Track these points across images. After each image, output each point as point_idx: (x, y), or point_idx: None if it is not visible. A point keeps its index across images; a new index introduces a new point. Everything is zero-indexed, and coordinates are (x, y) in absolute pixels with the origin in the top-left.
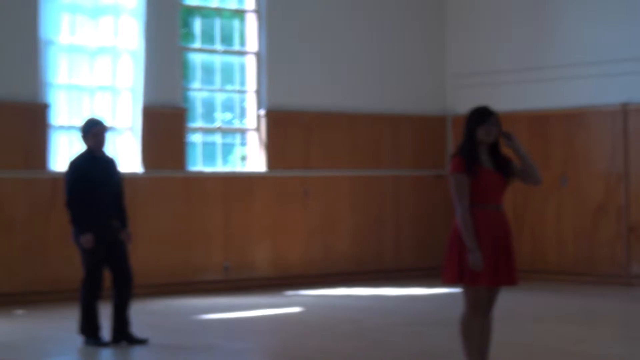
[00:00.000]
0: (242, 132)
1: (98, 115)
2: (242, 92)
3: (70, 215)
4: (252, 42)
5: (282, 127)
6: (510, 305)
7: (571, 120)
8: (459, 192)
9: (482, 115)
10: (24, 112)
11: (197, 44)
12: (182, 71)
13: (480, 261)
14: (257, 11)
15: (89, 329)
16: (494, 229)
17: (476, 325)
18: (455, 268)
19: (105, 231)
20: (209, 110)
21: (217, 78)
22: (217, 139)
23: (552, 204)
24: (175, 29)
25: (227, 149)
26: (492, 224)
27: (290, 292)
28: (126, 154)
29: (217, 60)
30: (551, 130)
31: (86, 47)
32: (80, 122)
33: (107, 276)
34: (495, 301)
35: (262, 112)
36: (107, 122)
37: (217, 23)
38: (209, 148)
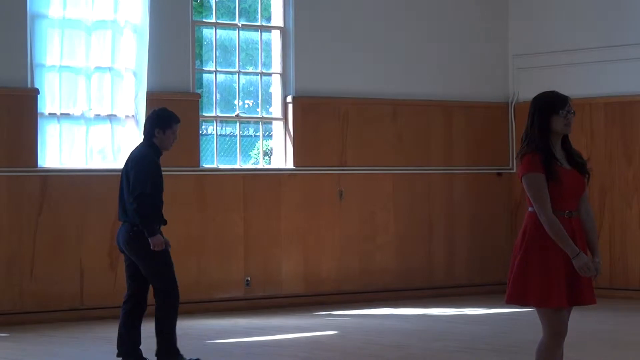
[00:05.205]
0: (266, 122)
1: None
2: (266, 74)
3: (141, 213)
4: (278, 15)
5: (313, 116)
6: (583, 328)
7: None
8: (540, 195)
9: (557, 101)
10: (9, 98)
11: (212, 18)
12: (195, 50)
13: (589, 263)
14: None
15: (174, 352)
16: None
17: (558, 356)
18: (519, 285)
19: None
20: (226, 97)
21: (237, 58)
22: (237, 130)
23: (636, 206)
24: (186, 0)
25: (248, 143)
26: (568, 234)
27: (322, 312)
28: (128, 147)
29: (237, 36)
30: (633, 118)
31: (82, 22)
32: (157, 112)
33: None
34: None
35: (290, 98)
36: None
37: None
38: (226, 141)
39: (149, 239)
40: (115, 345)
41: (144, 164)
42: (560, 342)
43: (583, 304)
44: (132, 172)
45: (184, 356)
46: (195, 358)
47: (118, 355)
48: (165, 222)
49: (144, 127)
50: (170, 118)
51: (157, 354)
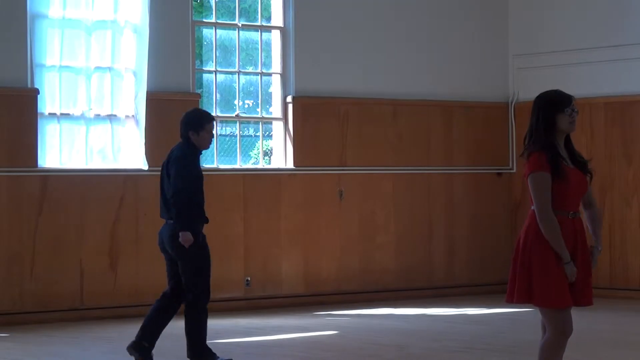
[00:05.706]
0: (266, 122)
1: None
2: (266, 74)
3: (178, 208)
4: (278, 15)
5: (313, 116)
6: (583, 328)
7: None
8: (543, 194)
9: (562, 100)
10: (9, 98)
11: (212, 18)
12: (195, 50)
13: (574, 275)
14: None
15: (202, 352)
16: (571, 240)
17: (561, 355)
18: (522, 284)
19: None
20: (226, 97)
21: (237, 58)
22: (237, 130)
23: (636, 206)
24: (186, 0)
25: (248, 143)
26: (569, 235)
27: (322, 312)
28: (128, 147)
29: (237, 36)
30: (633, 118)
31: (82, 22)
32: (188, 115)
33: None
34: None
35: (290, 98)
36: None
37: None
38: (226, 141)
39: (180, 233)
40: (121, 343)
41: (184, 162)
42: (565, 341)
43: (583, 304)
44: (172, 170)
45: (217, 355)
46: (228, 358)
47: (133, 343)
48: (207, 220)
49: (180, 129)
50: (202, 118)
51: (188, 355)
